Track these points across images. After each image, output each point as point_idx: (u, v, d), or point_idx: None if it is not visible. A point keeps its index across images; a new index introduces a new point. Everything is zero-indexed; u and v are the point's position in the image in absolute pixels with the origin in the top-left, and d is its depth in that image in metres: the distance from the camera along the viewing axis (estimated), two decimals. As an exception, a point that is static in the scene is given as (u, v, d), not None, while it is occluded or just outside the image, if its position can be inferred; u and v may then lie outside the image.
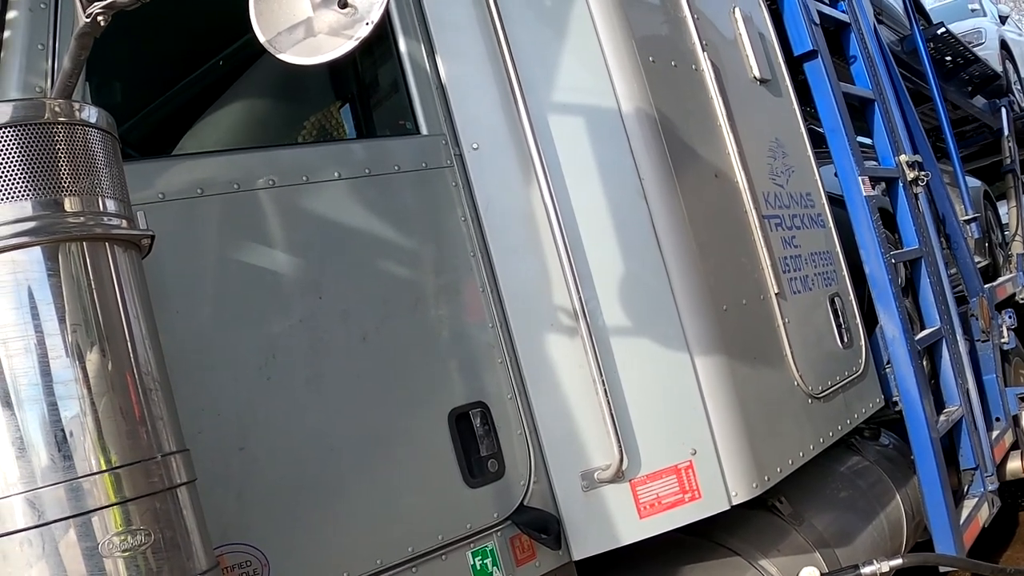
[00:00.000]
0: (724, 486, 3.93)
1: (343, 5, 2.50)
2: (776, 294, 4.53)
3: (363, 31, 2.50)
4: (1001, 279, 9.09)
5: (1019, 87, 13.50)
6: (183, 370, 2.90)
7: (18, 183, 2.30)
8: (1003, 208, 11.20)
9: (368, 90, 4.32)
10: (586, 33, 4.08)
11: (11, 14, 3.05)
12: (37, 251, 2.33)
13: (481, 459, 3.73)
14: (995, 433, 6.96)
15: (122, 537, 2.28)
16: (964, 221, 8.18)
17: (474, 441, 3.72)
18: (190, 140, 4.19)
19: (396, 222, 3.79)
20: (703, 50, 4.61)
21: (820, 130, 5.94)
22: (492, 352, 3.89)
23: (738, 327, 4.20)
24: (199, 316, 3.26)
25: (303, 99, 4.36)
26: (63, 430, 2.27)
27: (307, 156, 3.71)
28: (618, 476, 3.86)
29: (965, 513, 5.92)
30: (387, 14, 3.84)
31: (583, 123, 4.03)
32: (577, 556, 3.95)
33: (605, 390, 3.83)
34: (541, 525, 3.82)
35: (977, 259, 8.55)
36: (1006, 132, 11.37)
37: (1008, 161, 11.20)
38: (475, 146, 3.98)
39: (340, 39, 2.52)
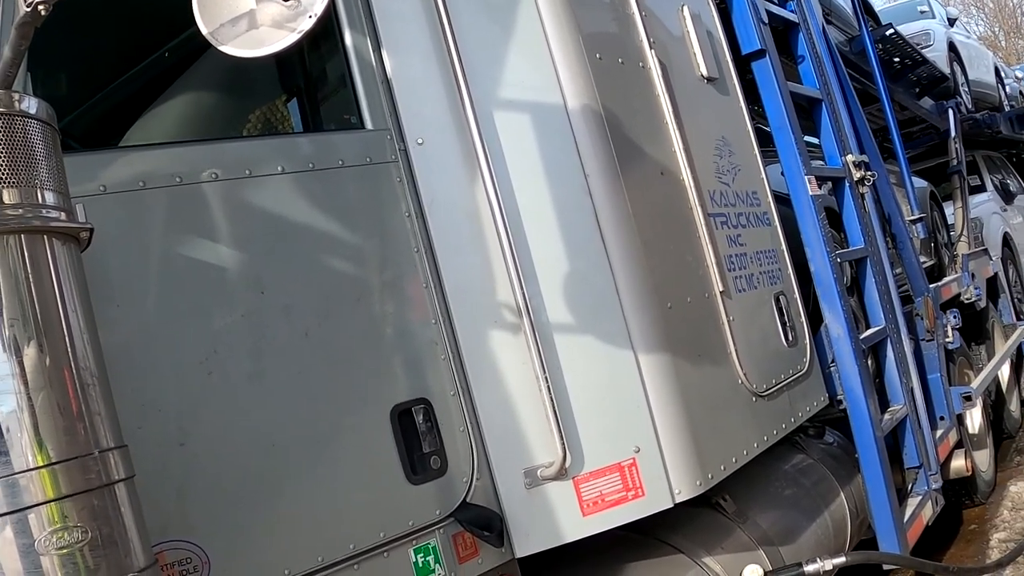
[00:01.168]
0: (667, 484, 3.94)
1: (286, -2, 2.50)
2: (721, 292, 4.54)
3: (306, 24, 2.51)
4: (946, 279, 9.16)
5: (966, 89, 13.64)
6: (124, 364, 2.89)
7: (-46, 174, 2.26)
8: (949, 209, 11.29)
9: (314, 83, 4.29)
10: (533, 28, 4.07)
11: (-50, 3, 3.02)
12: (-27, 243, 2.29)
13: (424, 456, 3.71)
14: (939, 432, 7.03)
15: (59, 534, 2.25)
16: (910, 221, 8.24)
17: (417, 438, 3.71)
18: (136, 132, 4.15)
19: (340, 217, 3.78)
20: (651, 48, 4.61)
21: (767, 129, 5.97)
22: (435, 349, 3.88)
23: (682, 325, 4.20)
24: (140, 310, 3.23)
25: (250, 92, 4.33)
26: (-1, 426, 2.23)
27: (251, 149, 3.69)
28: (561, 473, 3.86)
29: (909, 511, 5.97)
30: (332, 6, 3.83)
31: (529, 119, 4.02)
32: (520, 553, 3.94)
33: (548, 387, 3.83)
34: (484, 522, 3.81)
35: (923, 259, 8.62)
36: (953, 134, 11.46)
37: (954, 162, 11.29)
38: (420, 141, 3.97)
39: (283, 32, 2.53)
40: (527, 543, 3.94)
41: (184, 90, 4.24)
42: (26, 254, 2.37)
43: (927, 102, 11.81)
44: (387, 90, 3.99)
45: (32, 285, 2.36)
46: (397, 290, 3.85)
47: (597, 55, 4.19)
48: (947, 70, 12.35)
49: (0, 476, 2.23)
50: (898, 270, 7.54)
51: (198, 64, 4.21)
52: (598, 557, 4.28)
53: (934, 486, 6.42)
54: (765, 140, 5.89)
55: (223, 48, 2.54)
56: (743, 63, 5.83)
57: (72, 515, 2.29)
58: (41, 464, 2.27)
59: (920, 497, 6.24)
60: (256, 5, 2.53)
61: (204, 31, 2.54)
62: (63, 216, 2.49)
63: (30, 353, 2.31)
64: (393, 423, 3.67)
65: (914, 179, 9.43)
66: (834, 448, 6.12)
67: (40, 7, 2.34)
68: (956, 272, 9.67)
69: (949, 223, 11.20)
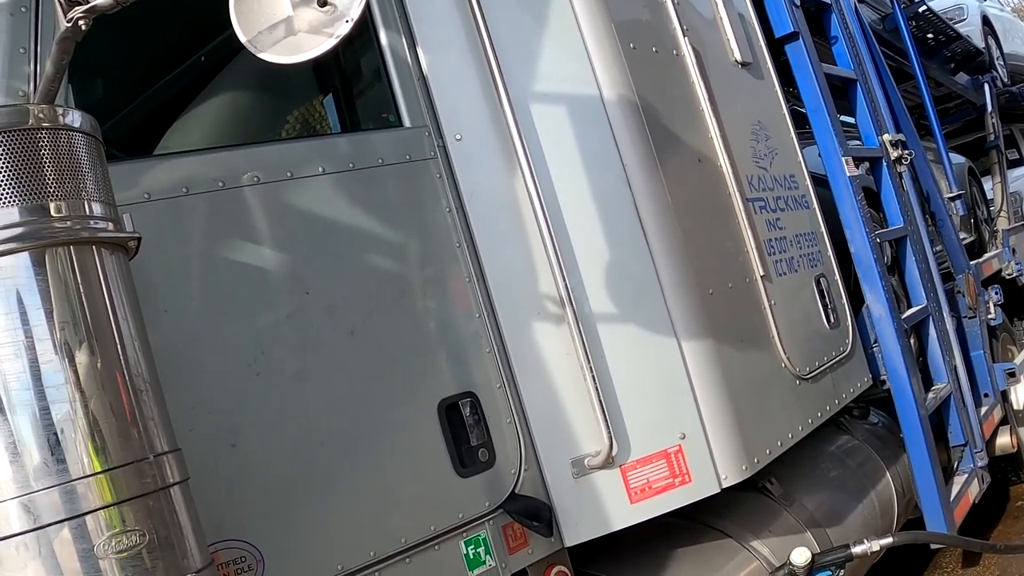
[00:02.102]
0: (714, 469, 3.96)
1: (323, 3, 2.51)
2: (762, 276, 4.54)
3: (343, 29, 2.51)
4: (987, 255, 9.12)
5: (1001, 62, 13.50)
6: (173, 368, 2.91)
7: (4, 189, 2.30)
8: (988, 184, 11.20)
9: (351, 83, 4.32)
10: (566, 21, 4.08)
11: (-7, 19, 3.06)
12: (25, 256, 2.32)
13: (471, 448, 3.74)
14: (984, 409, 7.00)
15: (117, 538, 2.27)
16: (949, 198, 8.19)
17: (464, 431, 3.74)
18: (173, 137, 4.18)
19: (381, 215, 3.80)
20: (684, 35, 4.61)
21: (803, 111, 5.95)
22: (480, 342, 3.90)
23: (724, 310, 4.22)
24: (188, 314, 3.26)
25: (286, 93, 4.36)
26: (55, 433, 2.27)
27: (291, 152, 3.72)
28: (608, 462, 3.88)
29: (955, 490, 5.96)
30: (367, 6, 3.85)
31: (565, 111, 4.04)
32: (569, 542, 3.97)
33: (593, 376, 3.85)
34: (533, 513, 3.84)
35: (963, 236, 8.57)
36: (989, 108, 11.36)
37: (992, 137, 11.19)
38: (458, 137, 3.99)
39: (320, 37, 2.53)
40: (576, 532, 3.97)
41: (221, 93, 4.27)
42: (76, 265, 2.39)
43: (962, 77, 11.69)
44: (424, 87, 4.01)
45: (83, 295, 2.39)
46: (440, 285, 3.87)
47: (631, 45, 4.20)
48: (981, 44, 12.23)
49: (58, 483, 2.25)
50: (938, 248, 7.51)
51: (234, 66, 4.25)
52: (647, 544, 4.30)
53: (980, 463, 6.40)
54: (801, 121, 5.88)
55: (262, 55, 2.55)
56: (776, 46, 5.82)
57: (130, 519, 2.31)
58: (98, 470, 2.29)
59: (966, 475, 6.23)
60: (293, 11, 2.53)
61: (242, 38, 2.55)
62: (111, 226, 2.51)
63: (83, 361, 2.34)
64: (441, 417, 3.70)
65: (951, 155, 9.38)
66: (879, 428, 6.11)
67: (80, 21, 2.37)
68: (997, 248, 9.63)
69: (988, 198, 11.12)
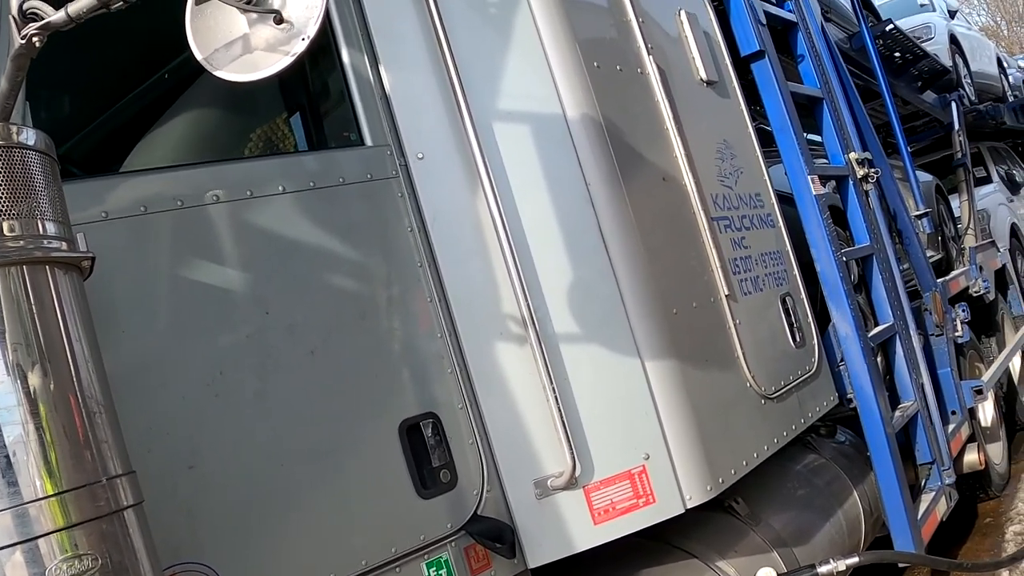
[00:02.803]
0: (678, 489, 3.95)
1: (279, 21, 2.50)
2: (727, 296, 4.54)
3: (299, 47, 2.50)
4: (954, 273, 9.15)
5: (969, 81, 13.64)
6: (131, 389, 2.90)
7: (-43, 208, 2.27)
8: (955, 202, 11.27)
9: (313, 101, 4.30)
10: (530, 40, 4.08)
11: (-55, 36, 3.03)
12: (-24, 275, 2.30)
13: (433, 470, 3.72)
14: (951, 427, 7.02)
15: (69, 562, 2.25)
16: (916, 216, 8.24)
17: (426, 452, 3.72)
18: (137, 156, 4.16)
19: (342, 234, 3.78)
20: (648, 53, 4.61)
21: (769, 129, 5.96)
22: (442, 362, 3.89)
23: (689, 330, 4.21)
24: (146, 334, 3.24)
25: (250, 111, 4.34)
26: (7, 455, 2.25)
27: (251, 170, 3.70)
28: (571, 483, 3.87)
29: (923, 508, 5.96)
30: (328, 24, 3.85)
31: (529, 130, 4.03)
32: (532, 564, 3.95)
33: (556, 397, 3.84)
34: (495, 534, 3.82)
35: (930, 253, 8.62)
36: (956, 126, 11.46)
37: (959, 155, 11.28)
38: (420, 156, 3.98)
39: (277, 55, 2.52)
40: (539, 553, 3.95)
41: (185, 111, 4.26)
42: (28, 285, 2.37)
43: (930, 95, 11.80)
44: (386, 106, 4.00)
45: (36, 316, 2.36)
46: (402, 305, 3.85)
47: (595, 63, 4.19)
48: (949, 63, 12.36)
49: (9, 506, 2.23)
50: (905, 266, 7.54)
51: (198, 84, 4.23)
52: (612, 564, 4.28)
53: (948, 481, 6.41)
54: (767, 140, 5.89)
55: (218, 73, 2.55)
56: (742, 65, 5.83)
57: (82, 543, 2.29)
58: (50, 492, 2.27)
59: (934, 493, 6.23)
60: (249, 29, 2.53)
61: (199, 56, 2.55)
62: (64, 246, 2.50)
63: (35, 383, 2.32)
64: (402, 438, 3.67)
65: (919, 173, 9.43)
66: (846, 447, 6.11)
67: (35, 38, 2.36)
68: (964, 265, 9.67)
69: (956, 216, 11.19)
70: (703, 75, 5.12)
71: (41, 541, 2.24)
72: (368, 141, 3.95)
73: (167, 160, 4.06)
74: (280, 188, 3.63)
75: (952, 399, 7.27)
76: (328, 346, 3.58)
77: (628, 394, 3.95)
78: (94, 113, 4.54)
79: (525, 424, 3.92)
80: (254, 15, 2.51)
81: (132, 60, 4.55)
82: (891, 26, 9.82)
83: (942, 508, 6.23)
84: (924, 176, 10.25)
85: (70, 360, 2.42)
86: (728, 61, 5.57)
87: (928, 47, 11.55)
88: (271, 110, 4.36)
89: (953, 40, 13.57)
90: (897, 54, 10.28)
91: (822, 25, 7.18)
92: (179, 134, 4.23)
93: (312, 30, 2.48)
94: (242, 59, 2.55)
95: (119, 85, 4.54)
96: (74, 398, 2.40)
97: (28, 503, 2.24)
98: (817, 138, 6.73)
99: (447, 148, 3.98)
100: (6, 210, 2.35)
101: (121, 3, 2.38)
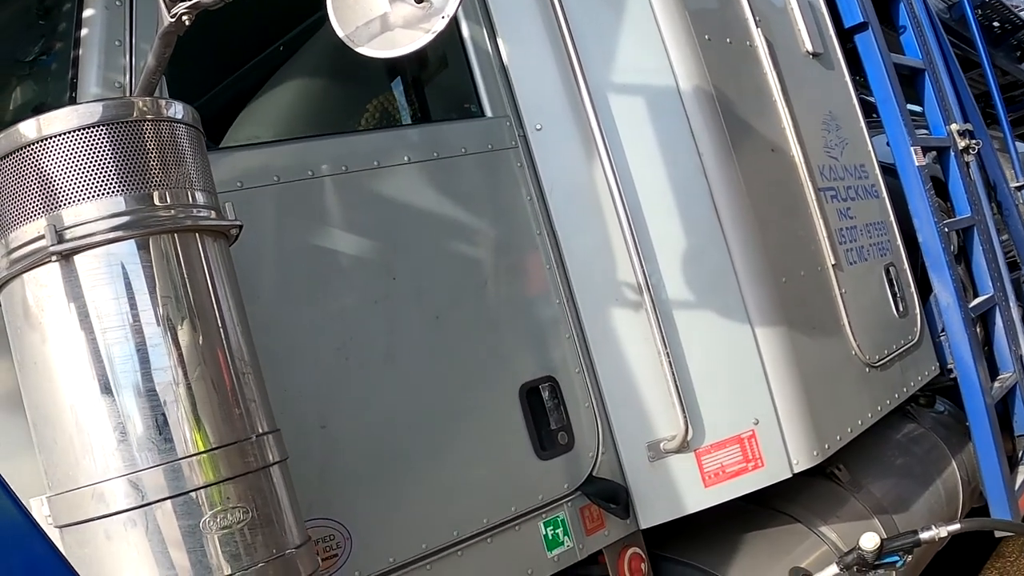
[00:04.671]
0: (786, 454, 4.02)
1: (419, 0, 2.57)
2: (833, 265, 4.59)
3: (439, 24, 2.55)
4: (1054, 244, 9.04)
5: (1067, 50, 13.38)
6: (266, 353, 2.99)
7: (111, 179, 2.37)
8: (1055, 173, 11.09)
9: (431, 73, 4.39)
10: (643, 13, 4.14)
11: (87, 12, 3.14)
12: (131, 244, 2.40)
13: (551, 431, 3.81)
14: (1050, 398, 6.97)
15: (221, 515, 2.36)
16: (1015, 187, 8.15)
17: (544, 414, 3.81)
18: (248, 126, 4.25)
19: (464, 203, 3.88)
20: (756, 26, 4.65)
21: (872, 100, 5.96)
22: (559, 327, 3.98)
23: (797, 298, 4.27)
24: (279, 301, 3.33)
25: (368, 82, 4.41)
26: (163, 414, 2.35)
27: (377, 142, 3.80)
28: (683, 446, 3.95)
29: (1020, 478, 5.95)
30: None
31: (643, 102, 4.10)
32: (644, 525, 4.04)
33: (669, 362, 3.91)
34: (610, 495, 3.91)
35: (1029, 225, 8.52)
36: (1056, 96, 11.28)
37: (1059, 125, 11.11)
38: (538, 127, 4.06)
39: (416, 32, 2.57)
40: (651, 515, 4.04)
41: (297, 81, 4.34)
42: (180, 252, 2.47)
43: (1029, 65, 11.62)
44: (504, 78, 4.09)
45: (187, 281, 2.46)
46: (521, 272, 3.95)
47: (706, 36, 4.25)
48: (1049, 31, 12.13)
49: (164, 462, 2.34)
50: (1004, 237, 7.47)
51: (309, 56, 4.31)
52: (718, 528, 4.36)
53: (1046, 452, 6.39)
54: (869, 110, 5.89)
55: (359, 50, 2.61)
56: (845, 35, 5.83)
57: (233, 497, 2.40)
58: (202, 449, 2.38)
59: (1032, 464, 6.22)
60: (389, 7, 2.59)
61: (340, 34, 2.60)
62: (213, 215, 2.59)
63: (188, 345, 2.42)
64: (522, 401, 3.77)
65: (1018, 144, 9.31)
66: (945, 417, 6.12)
67: (184, 17, 2.43)
68: (1063, 236, 9.54)
69: (1057, 187, 11.01)
70: (809, 47, 5.15)
71: (194, 495, 2.35)
72: (488, 112, 4.04)
73: (276, 131, 4.16)
74: (405, 159, 3.72)
75: (1051, 371, 7.22)
76: (452, 311, 3.68)
77: (738, 360, 4.03)
78: (215, 84, 4.63)
79: (638, 388, 4.00)
80: (395, -7, 2.58)
81: (247, 32, 4.63)
82: (990, -5, 9.69)
83: (1040, 479, 6.22)
84: (1024, 147, 10.12)
85: (219, 323, 2.52)
86: (832, 32, 5.58)
87: (1026, 16, 11.35)
88: (387, 81, 4.44)
89: (1053, 8, 13.31)
90: (996, 24, 10.12)
91: (923, -5, 7.13)
92: (290, 105, 4.31)
93: (452, 9, 2.53)
94: (382, 36, 2.61)
95: (235, 57, 4.63)
96: (224, 359, 2.50)
97: (182, 459, 2.35)
98: (918, 109, 6.69)
99: (564, 119, 4.06)
100: (157, 181, 2.45)
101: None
